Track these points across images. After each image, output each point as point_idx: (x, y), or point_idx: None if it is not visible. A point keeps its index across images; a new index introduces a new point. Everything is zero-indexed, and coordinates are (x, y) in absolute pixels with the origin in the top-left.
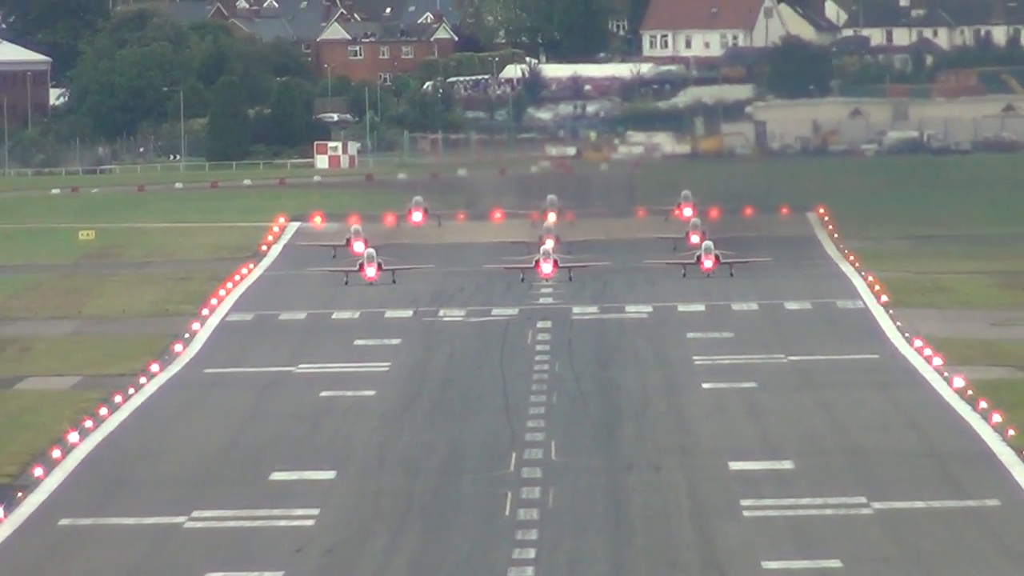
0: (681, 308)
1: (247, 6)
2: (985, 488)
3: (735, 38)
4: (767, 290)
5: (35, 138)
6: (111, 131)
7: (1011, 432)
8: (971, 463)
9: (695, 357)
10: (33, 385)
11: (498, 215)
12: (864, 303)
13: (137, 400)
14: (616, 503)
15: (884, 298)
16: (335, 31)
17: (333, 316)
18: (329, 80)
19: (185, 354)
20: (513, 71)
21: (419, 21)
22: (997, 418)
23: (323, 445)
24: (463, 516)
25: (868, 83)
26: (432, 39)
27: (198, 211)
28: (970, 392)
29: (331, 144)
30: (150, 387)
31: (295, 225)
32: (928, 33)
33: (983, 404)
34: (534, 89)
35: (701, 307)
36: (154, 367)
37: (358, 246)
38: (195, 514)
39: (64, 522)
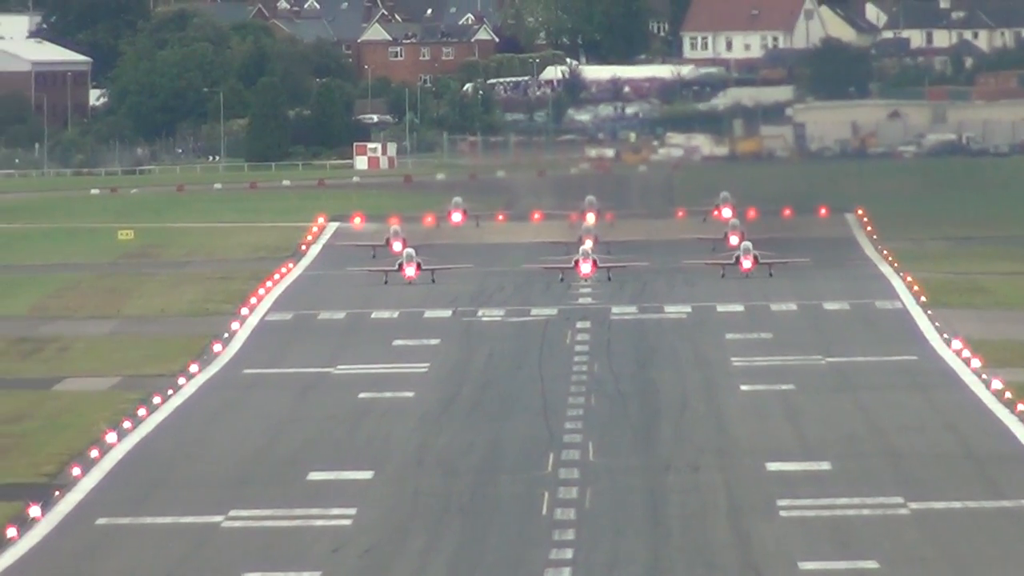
0: (720, 308)
1: (288, 7)
2: (1023, 489)
3: (775, 40)
4: (806, 291)
5: (75, 138)
6: (151, 132)
7: None
8: (1009, 464)
9: (733, 358)
10: (72, 385)
11: (537, 216)
12: (903, 304)
13: (176, 401)
14: (653, 503)
15: (922, 299)
16: (376, 32)
17: (372, 316)
18: (369, 81)
19: (224, 354)
20: (553, 72)
21: (460, 22)
22: None
23: (361, 446)
24: (501, 516)
25: (907, 85)
26: (473, 40)
27: (237, 211)
28: (1008, 394)
29: (370, 145)
30: (189, 388)
31: (334, 225)
32: (968, 35)
33: (1021, 407)
34: (574, 90)
35: (740, 308)
36: (193, 367)
37: (397, 246)
38: (232, 513)
39: (102, 521)
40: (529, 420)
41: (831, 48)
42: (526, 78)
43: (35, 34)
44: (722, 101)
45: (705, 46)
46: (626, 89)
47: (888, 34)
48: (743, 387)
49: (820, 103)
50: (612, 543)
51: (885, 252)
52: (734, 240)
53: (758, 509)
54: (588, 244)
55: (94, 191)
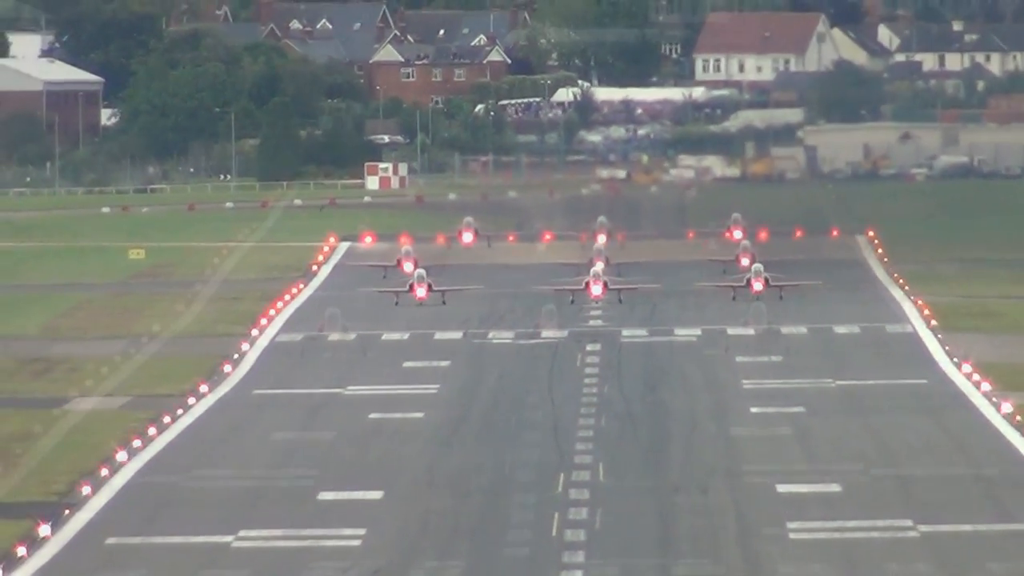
0: (730, 331)
1: (300, 27)
2: None
3: (787, 62)
4: (816, 314)
5: (86, 157)
6: (162, 151)
7: None
8: (1018, 488)
9: (744, 381)
10: (82, 405)
11: (548, 237)
12: (913, 327)
13: (186, 420)
14: (663, 525)
15: (933, 322)
16: (388, 53)
17: (383, 337)
18: (381, 102)
19: (234, 374)
20: (565, 94)
21: (472, 44)
22: None
23: (371, 466)
24: (510, 537)
25: (919, 108)
26: (485, 61)
27: (248, 231)
28: (1019, 417)
29: (382, 165)
30: (199, 407)
31: (345, 245)
32: (980, 58)
33: None
34: (586, 112)
35: (750, 330)
36: (203, 387)
37: (408, 267)
38: (242, 534)
39: (111, 540)
40: (539, 441)
41: (843, 71)
42: (538, 99)
43: (47, 53)
44: (734, 123)
45: (717, 68)
46: (638, 111)
47: (900, 57)
48: (753, 409)
49: (832, 126)
50: (622, 564)
51: (896, 275)
52: (745, 262)
53: (768, 531)
54: (599, 266)
55: (105, 210)
